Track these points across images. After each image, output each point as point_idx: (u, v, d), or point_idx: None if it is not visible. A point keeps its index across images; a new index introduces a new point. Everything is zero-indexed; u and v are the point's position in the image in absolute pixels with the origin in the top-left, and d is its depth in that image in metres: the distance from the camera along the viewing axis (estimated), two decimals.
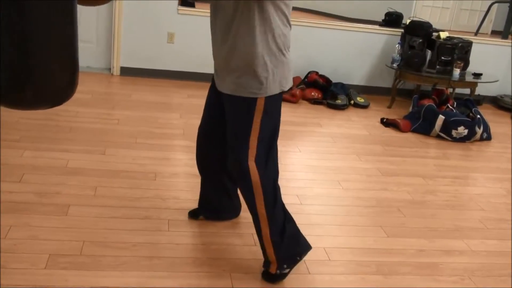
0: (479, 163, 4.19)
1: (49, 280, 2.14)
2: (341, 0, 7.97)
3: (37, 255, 2.28)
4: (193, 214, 2.75)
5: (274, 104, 2.15)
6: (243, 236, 2.64)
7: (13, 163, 3.10)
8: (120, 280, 2.19)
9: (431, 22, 5.47)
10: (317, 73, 5.47)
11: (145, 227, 2.61)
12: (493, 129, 4.88)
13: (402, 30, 5.50)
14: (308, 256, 2.38)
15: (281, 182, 2.29)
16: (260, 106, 2.10)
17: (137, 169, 3.24)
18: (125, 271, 2.26)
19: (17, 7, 1.35)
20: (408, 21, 5.51)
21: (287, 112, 4.65)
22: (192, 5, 5.36)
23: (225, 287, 2.24)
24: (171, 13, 5.22)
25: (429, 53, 5.36)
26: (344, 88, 5.43)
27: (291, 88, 2.26)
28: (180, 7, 5.22)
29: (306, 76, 5.45)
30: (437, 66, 5.28)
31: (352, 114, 5.03)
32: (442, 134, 4.60)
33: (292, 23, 2.13)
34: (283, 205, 2.29)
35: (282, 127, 2.27)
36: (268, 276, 2.31)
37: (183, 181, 3.16)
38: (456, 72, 5.14)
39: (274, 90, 2.11)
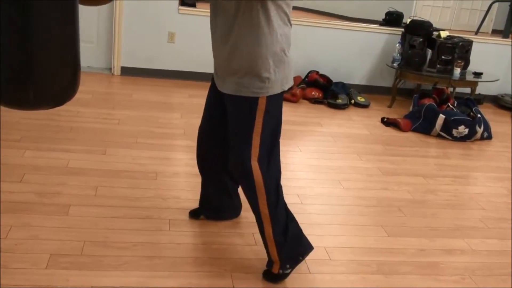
0: (480, 162, 4.19)
1: (50, 280, 2.14)
2: None
3: (38, 255, 2.28)
4: (194, 214, 2.75)
5: (275, 103, 2.15)
6: (244, 235, 2.64)
7: (14, 163, 3.10)
8: (121, 280, 2.20)
9: (431, 21, 5.46)
10: (317, 72, 5.47)
11: (146, 227, 2.61)
12: (494, 128, 4.88)
13: (403, 30, 5.49)
14: (309, 256, 2.37)
15: (281, 181, 2.29)
16: (262, 105, 2.10)
17: (138, 169, 3.24)
18: (126, 271, 2.26)
19: (18, 6, 1.35)
20: (408, 21, 5.51)
21: (287, 111, 4.64)
22: (193, 5, 5.36)
23: (226, 287, 2.24)
24: (171, 12, 5.22)
25: (429, 52, 5.35)
26: (345, 88, 5.43)
27: (291, 88, 2.26)
28: (181, 7, 5.22)
29: (307, 76, 5.45)
30: (438, 66, 5.28)
31: (352, 114, 5.03)
32: (442, 134, 4.60)
33: (292, 22, 2.12)
34: (285, 204, 2.29)
35: (282, 127, 2.27)
36: (269, 275, 2.31)
37: (184, 180, 3.16)
38: (457, 71, 5.14)
39: (275, 89, 2.11)
